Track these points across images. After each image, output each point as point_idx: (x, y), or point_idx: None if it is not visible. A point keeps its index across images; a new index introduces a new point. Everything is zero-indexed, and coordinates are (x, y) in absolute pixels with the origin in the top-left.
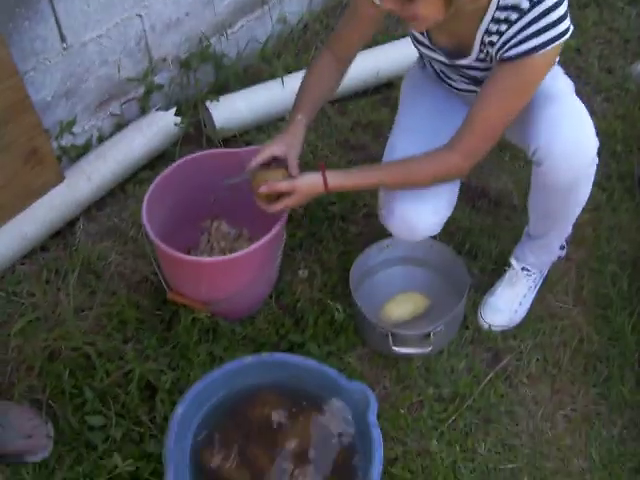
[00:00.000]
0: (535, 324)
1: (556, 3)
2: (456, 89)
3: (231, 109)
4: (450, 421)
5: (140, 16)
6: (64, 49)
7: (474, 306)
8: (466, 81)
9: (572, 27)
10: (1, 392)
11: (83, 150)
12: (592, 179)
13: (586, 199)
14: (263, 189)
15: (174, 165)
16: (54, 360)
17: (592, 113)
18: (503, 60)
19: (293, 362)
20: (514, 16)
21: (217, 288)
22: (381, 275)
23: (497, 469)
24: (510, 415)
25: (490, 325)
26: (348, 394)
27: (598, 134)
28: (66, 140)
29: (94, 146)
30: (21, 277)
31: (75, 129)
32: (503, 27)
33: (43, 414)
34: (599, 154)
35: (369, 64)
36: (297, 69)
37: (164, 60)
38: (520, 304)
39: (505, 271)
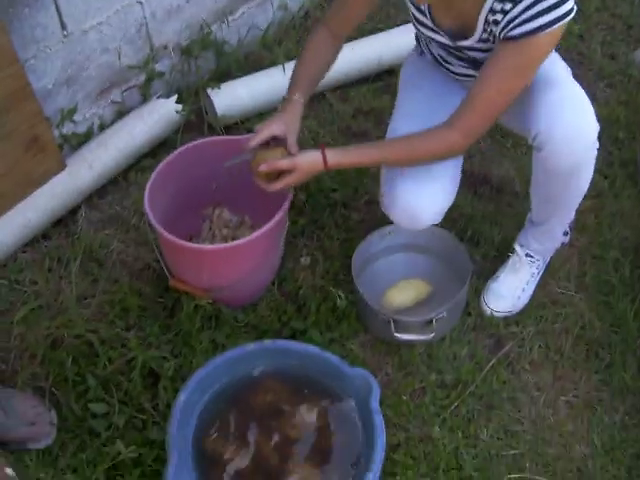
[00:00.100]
0: (537, 310)
1: None
2: (455, 74)
3: (232, 96)
4: (452, 407)
5: (140, 3)
6: (65, 37)
7: (476, 293)
8: (465, 65)
9: (576, 7)
10: (4, 380)
11: (84, 138)
12: (593, 164)
13: (588, 184)
14: (263, 168)
15: (176, 153)
16: (57, 348)
17: (594, 99)
18: (507, 39)
19: (295, 349)
20: None
21: (219, 275)
22: (383, 262)
23: (499, 455)
24: (512, 401)
25: (492, 311)
26: (350, 380)
27: (600, 121)
28: (67, 128)
29: (95, 134)
30: (23, 265)
31: (76, 117)
32: (508, 5)
33: (46, 401)
34: (600, 139)
35: (371, 51)
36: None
37: (165, 47)
38: (523, 290)
39: (508, 257)
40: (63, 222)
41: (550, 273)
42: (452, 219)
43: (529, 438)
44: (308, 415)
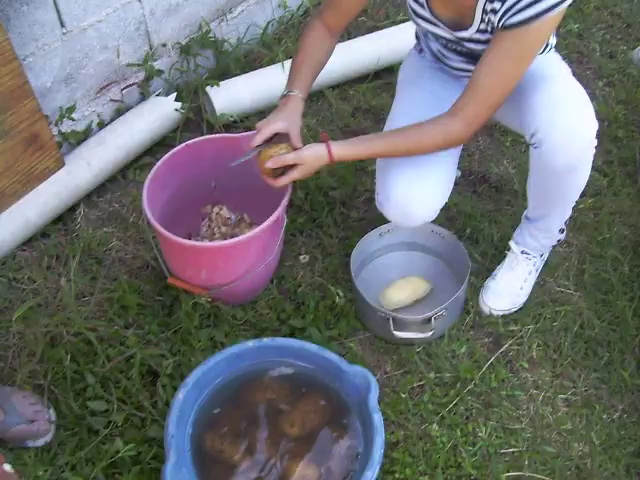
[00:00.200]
0: (536, 309)
1: None
2: (453, 69)
3: (231, 94)
4: (451, 405)
5: (139, 1)
6: (63, 34)
7: (475, 291)
8: (464, 60)
9: None
10: (3, 378)
11: (83, 136)
12: (591, 162)
13: (585, 183)
14: (269, 164)
15: (174, 150)
16: (55, 346)
17: (593, 98)
18: (505, 28)
19: (294, 347)
20: None
21: (218, 273)
22: (382, 260)
23: (498, 453)
24: (511, 399)
25: (491, 309)
26: (349, 378)
27: (599, 119)
28: (66, 126)
29: (94, 132)
30: (22, 263)
31: (75, 115)
32: None
33: (45, 399)
34: (599, 138)
35: (370, 49)
36: None
37: (164, 45)
38: (521, 288)
39: (505, 255)
40: (62, 220)
41: (549, 271)
42: (451, 217)
43: (528, 436)
44: (307, 413)
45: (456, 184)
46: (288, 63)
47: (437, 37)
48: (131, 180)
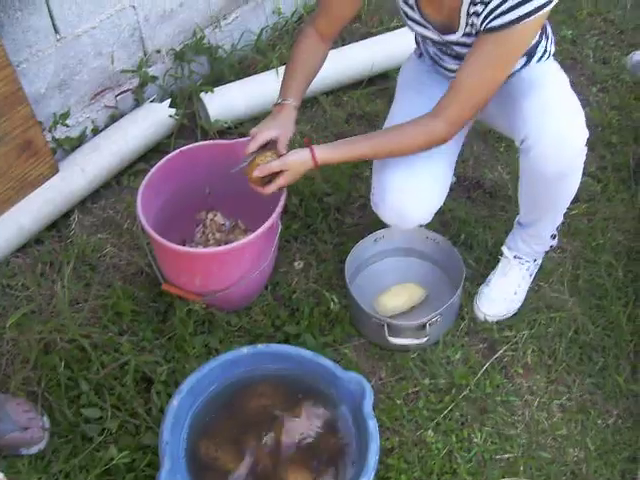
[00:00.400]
0: (530, 314)
1: None
2: (451, 72)
3: (226, 101)
4: (446, 411)
5: (134, 7)
6: (57, 40)
7: (470, 297)
8: (459, 62)
9: None
10: None
11: (77, 142)
12: (581, 170)
13: (575, 190)
14: (256, 173)
15: (168, 157)
16: (49, 352)
17: (587, 104)
18: (487, 31)
19: (289, 353)
20: None
21: (212, 279)
22: (376, 266)
23: (493, 459)
24: (506, 405)
25: (485, 316)
26: (344, 385)
27: (593, 125)
28: (60, 132)
29: (88, 138)
30: (16, 270)
31: (69, 121)
32: None
33: (39, 406)
34: (592, 145)
35: (364, 56)
36: None
37: (158, 52)
38: (515, 294)
39: (499, 261)
40: (56, 226)
41: (543, 277)
42: (445, 223)
43: (523, 442)
44: (302, 419)
45: (451, 190)
46: (282, 69)
47: (431, 40)
48: (125, 186)
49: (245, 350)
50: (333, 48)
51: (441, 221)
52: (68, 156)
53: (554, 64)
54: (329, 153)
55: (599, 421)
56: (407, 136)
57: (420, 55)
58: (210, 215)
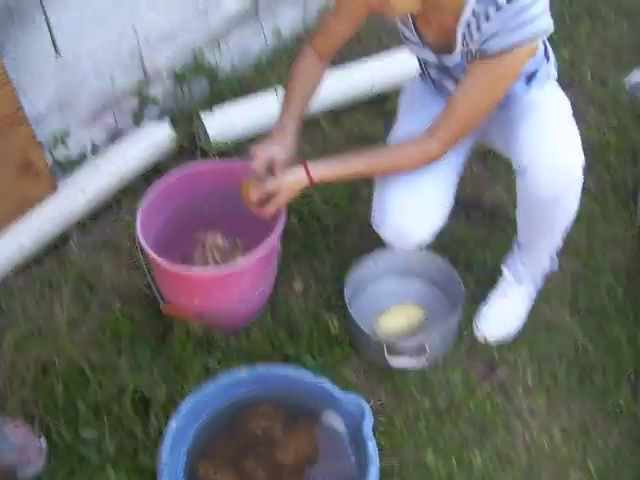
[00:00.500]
0: (531, 335)
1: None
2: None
3: (225, 121)
4: (446, 433)
5: (134, 29)
6: (58, 61)
7: (469, 317)
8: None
9: (552, 25)
10: None
11: (77, 162)
12: (578, 195)
13: (573, 214)
14: (253, 196)
15: (168, 177)
16: (47, 373)
17: (585, 124)
18: (482, 54)
19: (288, 374)
20: (492, 11)
21: (211, 300)
22: (376, 287)
23: None
24: (506, 427)
25: (485, 337)
26: (343, 406)
27: (591, 145)
28: (60, 152)
29: (88, 158)
30: (14, 290)
31: (69, 141)
32: (482, 21)
33: (36, 428)
34: (589, 166)
35: (363, 77)
36: None
37: (158, 73)
38: (514, 315)
39: (498, 280)
40: (55, 246)
41: (543, 298)
42: (445, 244)
43: (523, 463)
44: (301, 441)
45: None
46: (282, 90)
47: (430, 62)
48: (125, 207)
49: (244, 371)
50: (333, 68)
51: (440, 241)
52: (68, 176)
53: (556, 88)
54: (323, 170)
55: (600, 442)
56: (402, 154)
57: (423, 76)
58: (209, 235)
